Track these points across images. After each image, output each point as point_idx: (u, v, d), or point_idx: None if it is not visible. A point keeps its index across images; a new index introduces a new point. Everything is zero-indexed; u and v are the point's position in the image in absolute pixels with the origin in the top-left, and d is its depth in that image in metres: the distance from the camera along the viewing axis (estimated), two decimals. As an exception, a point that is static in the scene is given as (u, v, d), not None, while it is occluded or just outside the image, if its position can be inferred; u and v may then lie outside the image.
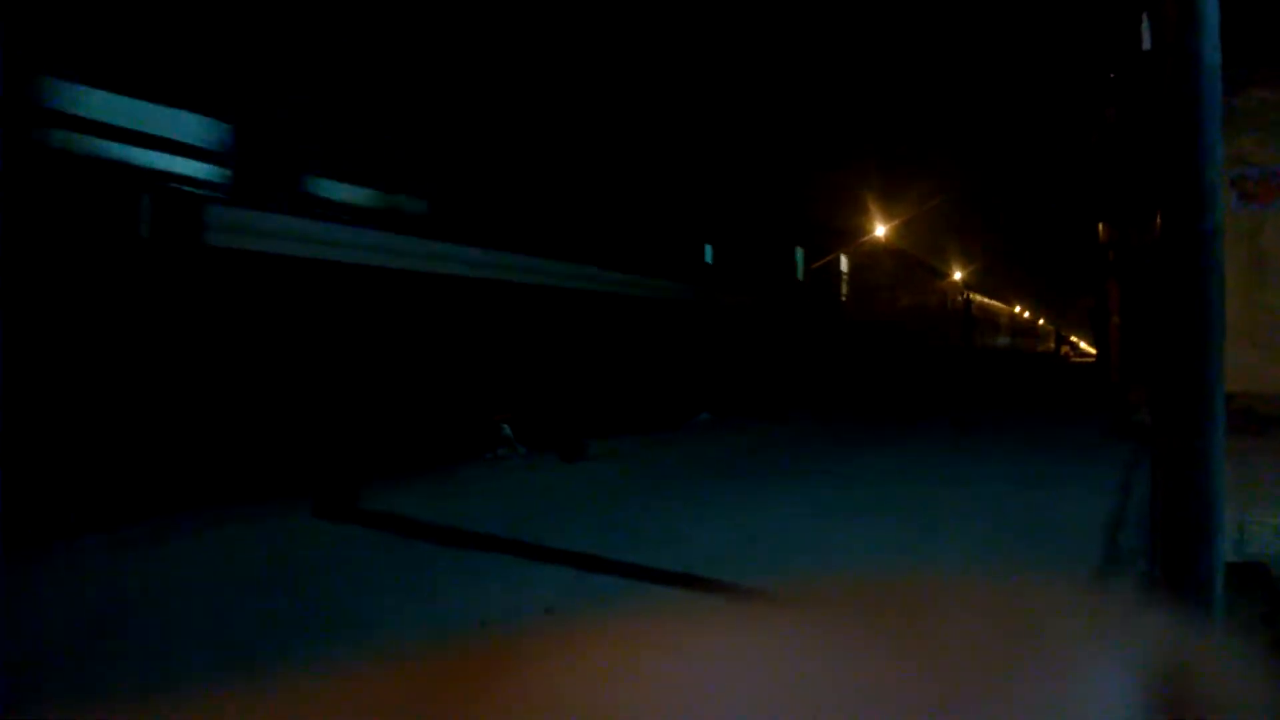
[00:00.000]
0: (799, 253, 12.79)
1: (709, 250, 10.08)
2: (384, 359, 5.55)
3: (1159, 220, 1.55)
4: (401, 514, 4.16)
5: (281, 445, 4.79)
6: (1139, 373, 8.25)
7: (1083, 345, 73.29)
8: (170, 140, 4.26)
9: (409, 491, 4.76)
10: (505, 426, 6.53)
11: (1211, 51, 1.48)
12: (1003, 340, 36.54)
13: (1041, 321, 63.29)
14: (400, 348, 5.71)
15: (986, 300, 33.26)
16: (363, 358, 5.38)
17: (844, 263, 14.88)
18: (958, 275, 27.70)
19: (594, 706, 0.13)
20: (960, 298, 26.74)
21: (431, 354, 5.99)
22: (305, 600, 2.82)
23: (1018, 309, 48.08)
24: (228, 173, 4.54)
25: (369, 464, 5.10)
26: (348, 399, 5.24)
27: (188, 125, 4.34)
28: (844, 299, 14.88)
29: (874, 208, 17.44)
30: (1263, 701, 0.16)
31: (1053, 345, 65.14)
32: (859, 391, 13.45)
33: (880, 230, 17.47)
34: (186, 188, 4.34)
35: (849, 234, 15.68)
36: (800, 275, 12.86)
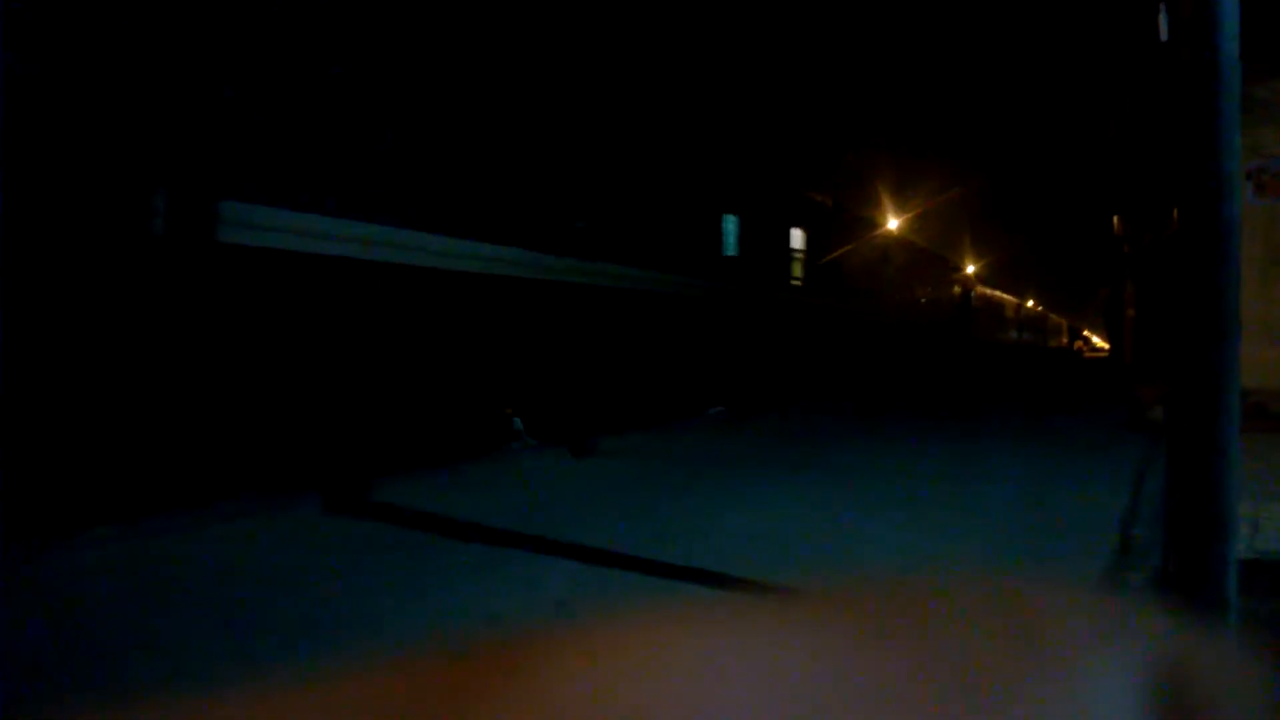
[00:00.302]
0: (729, 220, 10.53)
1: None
2: (395, 354, 5.57)
3: (1175, 213, 1.53)
4: (412, 508, 4.18)
5: (293, 439, 4.82)
6: (1153, 367, 8.20)
7: (1096, 340, 72.82)
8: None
9: (419, 485, 4.78)
10: (516, 420, 6.55)
11: (1229, 41, 1.47)
12: (1012, 334, 35.44)
13: (1054, 316, 62.92)
14: (411, 342, 5.73)
15: (996, 292, 32.19)
16: (374, 352, 5.40)
17: (799, 239, 12.70)
18: (970, 269, 26.98)
19: (605, 705, 0.13)
20: (958, 290, 25.61)
21: (443, 348, 6.01)
22: (314, 595, 2.84)
23: (1031, 303, 47.72)
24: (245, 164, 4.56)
25: (380, 458, 5.13)
26: (359, 393, 5.27)
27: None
28: (800, 281, 12.81)
29: (885, 200, 17.24)
30: (1275, 702, 0.16)
31: (1065, 340, 64.76)
32: (868, 385, 13.40)
33: (893, 223, 17.24)
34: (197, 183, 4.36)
35: (845, 218, 14.84)
36: (734, 250, 10.62)
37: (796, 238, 12.77)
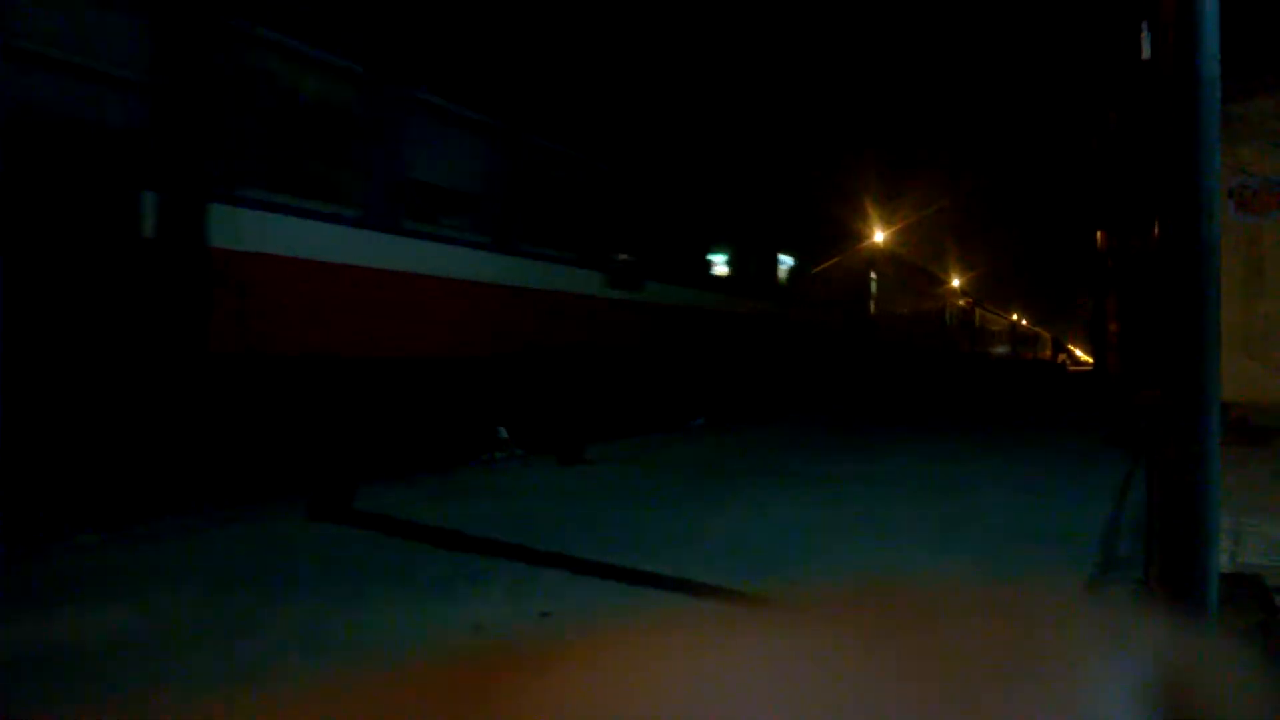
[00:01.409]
0: None
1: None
2: (379, 361, 5.54)
3: (1157, 228, 1.55)
4: (395, 517, 4.15)
5: (278, 447, 4.78)
6: (1136, 381, 8.26)
7: (1079, 353, 73.44)
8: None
9: (404, 494, 4.75)
10: (502, 429, 6.53)
11: (1210, 61, 1.49)
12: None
13: (1033, 326, 63.31)
14: (395, 350, 5.71)
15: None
16: (358, 360, 5.37)
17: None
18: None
19: (588, 713, 0.13)
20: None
21: (426, 357, 5.98)
22: (296, 603, 2.81)
23: (1015, 316, 47.82)
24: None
25: (364, 466, 5.09)
26: (344, 401, 5.23)
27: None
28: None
29: (873, 212, 17.23)
30: (1258, 709, 0.16)
31: (1049, 353, 65.32)
32: (847, 396, 13.42)
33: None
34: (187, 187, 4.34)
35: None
36: None
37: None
